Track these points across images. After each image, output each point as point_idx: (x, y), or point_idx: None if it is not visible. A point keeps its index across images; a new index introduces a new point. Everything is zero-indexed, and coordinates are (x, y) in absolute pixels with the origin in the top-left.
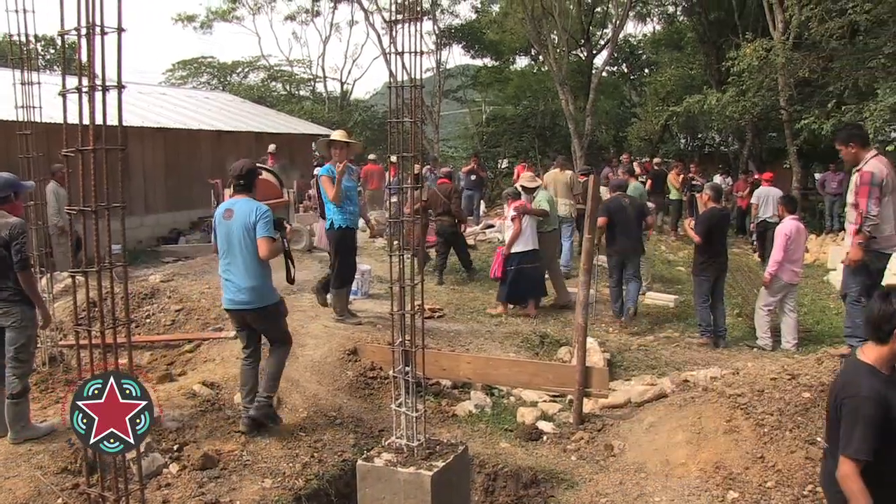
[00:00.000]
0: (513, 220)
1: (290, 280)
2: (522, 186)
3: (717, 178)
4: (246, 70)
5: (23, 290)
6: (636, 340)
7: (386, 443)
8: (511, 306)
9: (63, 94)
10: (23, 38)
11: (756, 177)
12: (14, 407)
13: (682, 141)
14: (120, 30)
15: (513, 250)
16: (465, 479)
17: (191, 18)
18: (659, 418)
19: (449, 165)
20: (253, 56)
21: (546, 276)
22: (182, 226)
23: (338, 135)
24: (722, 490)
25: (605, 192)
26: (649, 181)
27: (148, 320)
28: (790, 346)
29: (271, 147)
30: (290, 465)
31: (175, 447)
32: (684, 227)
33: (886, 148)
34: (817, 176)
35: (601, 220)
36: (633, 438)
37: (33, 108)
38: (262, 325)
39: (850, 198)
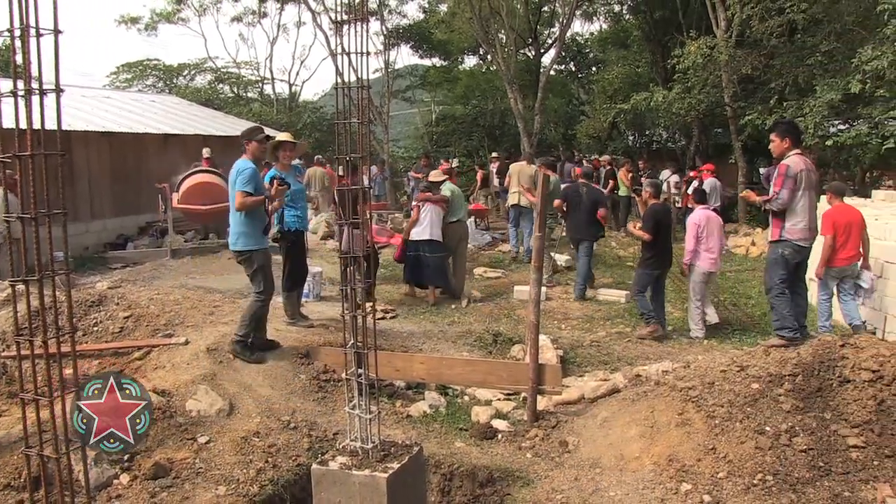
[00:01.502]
0: (412, 208)
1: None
2: (430, 181)
3: (666, 173)
4: (192, 72)
5: None
6: (588, 336)
7: (340, 446)
8: (418, 290)
9: None
10: None
11: (692, 174)
12: None
13: (630, 138)
14: (57, 31)
15: (411, 237)
16: (421, 479)
17: (135, 20)
18: (612, 413)
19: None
20: (199, 58)
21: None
22: (130, 231)
23: (285, 136)
24: (675, 482)
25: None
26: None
27: (95, 328)
28: (697, 333)
29: (206, 151)
30: (245, 471)
31: (125, 457)
32: (629, 229)
33: (826, 143)
34: (762, 170)
35: (557, 203)
36: (588, 434)
37: None
38: (243, 266)
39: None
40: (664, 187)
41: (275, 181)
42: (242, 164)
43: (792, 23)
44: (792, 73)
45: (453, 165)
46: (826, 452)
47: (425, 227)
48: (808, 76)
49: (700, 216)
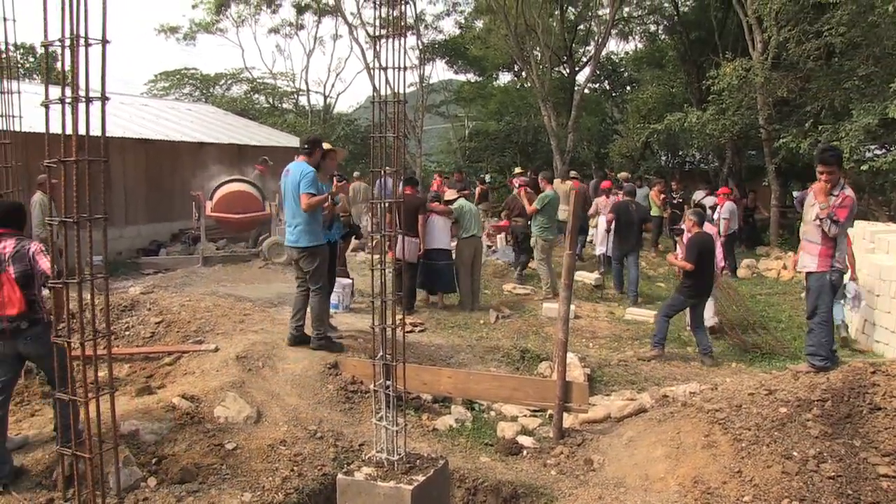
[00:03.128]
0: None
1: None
2: (445, 200)
3: (700, 194)
4: (229, 82)
5: None
6: (616, 355)
7: (366, 457)
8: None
9: (46, 105)
10: (2, 47)
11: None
12: None
13: (663, 158)
14: (104, 41)
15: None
16: (446, 493)
17: (174, 30)
18: (638, 433)
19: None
20: (236, 68)
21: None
22: (163, 237)
23: (327, 146)
24: None
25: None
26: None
27: (127, 332)
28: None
29: (263, 160)
30: (270, 478)
31: (153, 460)
32: (669, 259)
33: (861, 167)
34: (795, 194)
35: (609, 216)
36: (613, 453)
37: (13, 117)
38: (304, 263)
39: (814, 215)
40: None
41: (335, 183)
42: (305, 168)
43: (829, 46)
44: (828, 96)
45: (486, 181)
46: (855, 480)
47: (434, 236)
48: (844, 100)
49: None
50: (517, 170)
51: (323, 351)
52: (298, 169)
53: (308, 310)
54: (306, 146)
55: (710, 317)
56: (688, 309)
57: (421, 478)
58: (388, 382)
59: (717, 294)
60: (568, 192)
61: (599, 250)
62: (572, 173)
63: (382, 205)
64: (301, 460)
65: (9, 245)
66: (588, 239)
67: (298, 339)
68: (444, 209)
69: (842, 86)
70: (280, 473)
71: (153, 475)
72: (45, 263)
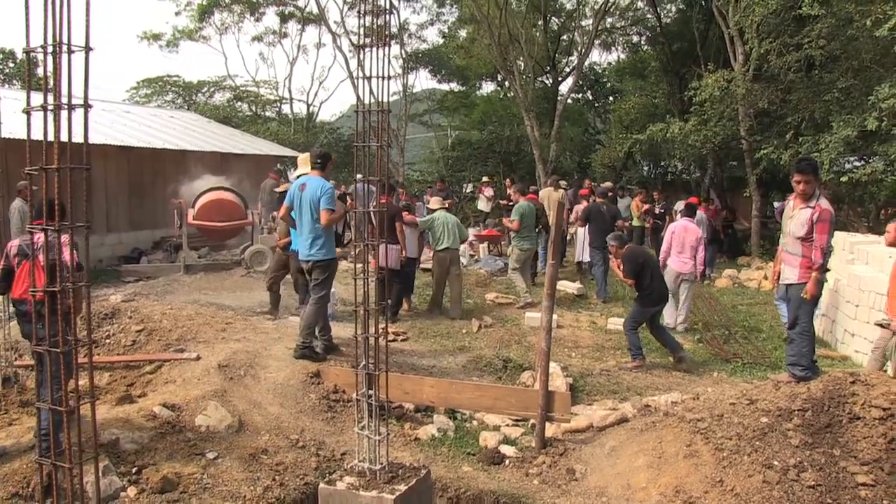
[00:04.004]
0: None
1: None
2: (428, 208)
3: (681, 204)
4: (212, 90)
5: None
6: (598, 365)
7: (348, 466)
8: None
9: (27, 112)
10: None
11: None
12: None
13: (645, 168)
14: (87, 48)
15: None
16: (428, 502)
17: (157, 37)
18: (620, 443)
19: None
20: (219, 76)
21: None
22: (144, 245)
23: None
24: None
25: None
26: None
27: (108, 340)
28: (680, 326)
29: (278, 168)
30: (251, 488)
31: (134, 470)
32: (613, 268)
33: (840, 178)
34: (776, 204)
35: (580, 223)
36: (595, 463)
37: None
38: (317, 273)
39: (798, 230)
40: (677, 217)
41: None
42: (324, 184)
43: (810, 58)
44: (808, 108)
45: (467, 191)
46: (834, 489)
47: (406, 245)
48: (824, 112)
49: (679, 225)
50: (485, 178)
51: (306, 360)
52: (317, 185)
53: (302, 316)
54: (319, 161)
55: (676, 319)
56: (648, 322)
57: (403, 487)
58: (371, 391)
59: (689, 296)
60: (559, 201)
61: (578, 258)
62: (562, 182)
63: (365, 214)
64: (283, 470)
65: (42, 236)
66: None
67: (301, 356)
68: (410, 219)
69: (822, 98)
70: (262, 483)
71: (133, 485)
72: (66, 254)
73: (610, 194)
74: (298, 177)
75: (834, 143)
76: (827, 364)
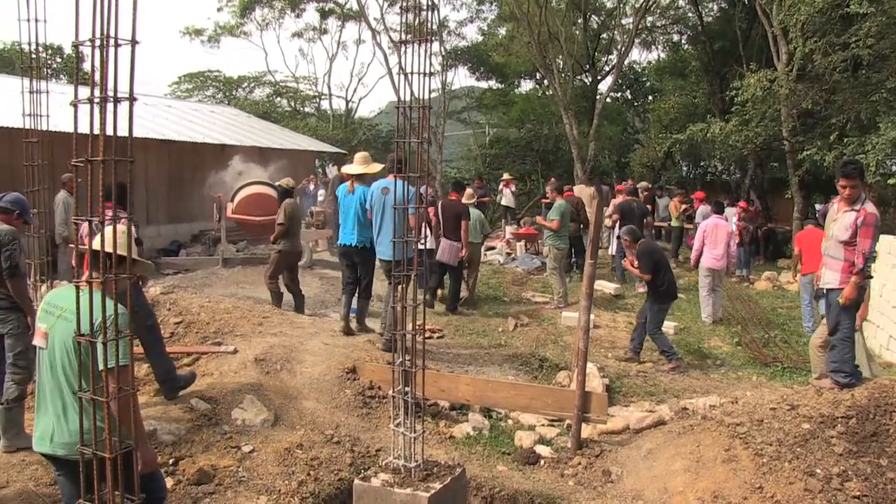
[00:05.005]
0: None
1: None
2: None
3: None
4: (252, 85)
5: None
6: (635, 366)
7: (383, 463)
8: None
9: (74, 105)
10: (33, 47)
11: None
12: (7, 413)
13: (685, 168)
14: (134, 42)
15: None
16: (462, 501)
17: (199, 32)
18: (657, 445)
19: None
20: (259, 71)
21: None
22: (183, 238)
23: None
24: None
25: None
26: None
27: None
28: (708, 319)
29: (318, 163)
30: (286, 482)
31: (171, 461)
32: (624, 265)
33: (888, 181)
34: (818, 206)
35: (615, 217)
36: (631, 465)
37: (40, 116)
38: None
39: (841, 234)
40: None
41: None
42: (409, 189)
43: (857, 58)
44: (854, 108)
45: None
46: (882, 501)
47: (428, 238)
48: (871, 112)
49: (710, 223)
50: (505, 175)
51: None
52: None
53: (386, 312)
54: (399, 165)
55: (708, 313)
56: (649, 314)
57: (438, 485)
58: (407, 388)
59: (722, 292)
60: (591, 198)
61: (612, 252)
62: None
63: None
64: (317, 465)
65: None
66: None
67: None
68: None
69: (868, 98)
70: (296, 477)
71: (170, 476)
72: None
73: (646, 193)
74: (352, 175)
75: (881, 145)
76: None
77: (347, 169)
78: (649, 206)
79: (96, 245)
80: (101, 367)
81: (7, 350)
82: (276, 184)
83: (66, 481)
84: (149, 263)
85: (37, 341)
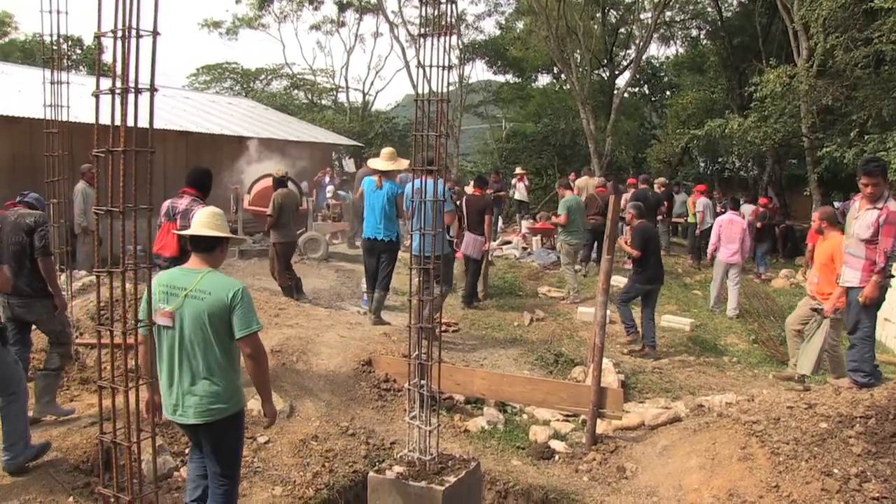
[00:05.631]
0: None
1: None
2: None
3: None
4: (269, 77)
5: (41, 283)
6: (650, 362)
7: (398, 455)
8: None
9: (96, 95)
10: (54, 39)
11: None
12: (45, 379)
13: (702, 164)
14: (155, 33)
15: None
16: (477, 495)
17: (217, 24)
18: (672, 442)
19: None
20: (277, 64)
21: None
22: None
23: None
24: None
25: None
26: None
27: None
28: (731, 312)
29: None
30: (301, 473)
31: (187, 450)
32: (619, 243)
33: None
34: (836, 204)
35: (630, 213)
36: (646, 461)
37: (61, 107)
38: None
39: (863, 232)
40: None
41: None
42: (441, 187)
43: (879, 53)
44: (876, 105)
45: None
46: None
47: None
48: (893, 109)
49: (725, 219)
50: (518, 170)
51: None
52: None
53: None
54: (430, 165)
55: (732, 308)
56: (641, 301)
57: (452, 479)
58: (423, 382)
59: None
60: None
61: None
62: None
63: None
64: (332, 456)
65: (184, 203)
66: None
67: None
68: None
69: (891, 95)
70: (311, 469)
71: (186, 465)
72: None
73: (663, 189)
74: (376, 171)
75: None
76: (890, 371)
77: (374, 164)
78: (665, 203)
79: (194, 230)
80: (240, 334)
81: (48, 335)
82: (271, 173)
83: (194, 444)
84: (243, 238)
85: (160, 321)
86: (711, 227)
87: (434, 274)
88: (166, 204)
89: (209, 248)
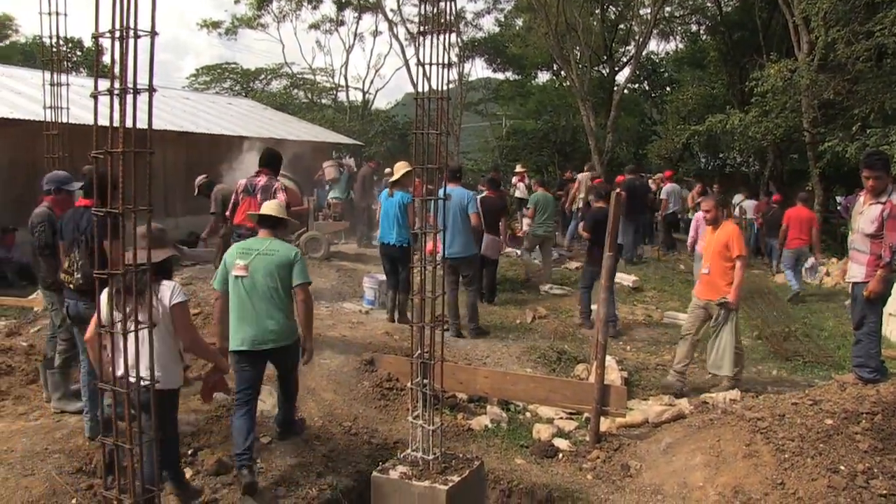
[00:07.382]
0: None
1: None
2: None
3: (739, 198)
4: (269, 77)
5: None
6: (654, 359)
7: (401, 455)
8: None
9: (94, 96)
10: (54, 41)
11: (775, 198)
12: (51, 378)
13: (703, 160)
14: (153, 33)
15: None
16: (480, 494)
17: (216, 25)
18: (677, 439)
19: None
20: (276, 63)
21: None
22: (201, 230)
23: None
24: None
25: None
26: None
27: None
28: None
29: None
30: (304, 474)
31: (189, 452)
32: (579, 231)
33: None
34: (839, 199)
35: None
36: (650, 459)
37: (61, 108)
38: (464, 269)
39: (867, 227)
40: (736, 212)
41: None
42: (467, 193)
43: (881, 47)
44: (878, 99)
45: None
46: None
47: None
48: (895, 102)
49: (699, 214)
50: (518, 168)
51: (481, 335)
52: (462, 194)
53: (468, 306)
54: (458, 174)
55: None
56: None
57: (456, 478)
58: (426, 381)
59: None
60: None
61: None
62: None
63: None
64: (335, 456)
65: (262, 180)
66: None
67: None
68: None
69: (893, 88)
70: (314, 469)
71: (189, 466)
72: (281, 196)
73: (663, 184)
74: (393, 182)
75: None
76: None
77: (394, 175)
78: (663, 198)
79: (264, 210)
80: (297, 281)
81: (53, 327)
82: (196, 182)
83: (251, 370)
84: (295, 222)
85: (237, 272)
86: (674, 212)
87: (465, 274)
88: (243, 182)
89: (273, 224)
